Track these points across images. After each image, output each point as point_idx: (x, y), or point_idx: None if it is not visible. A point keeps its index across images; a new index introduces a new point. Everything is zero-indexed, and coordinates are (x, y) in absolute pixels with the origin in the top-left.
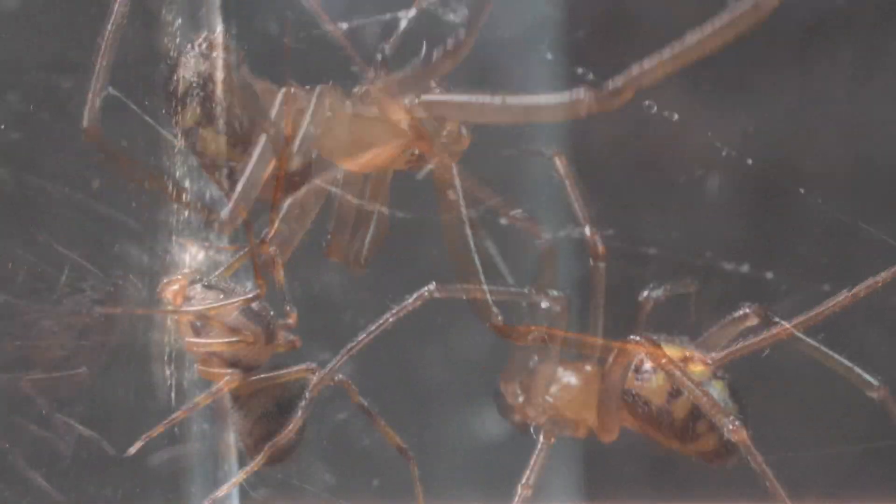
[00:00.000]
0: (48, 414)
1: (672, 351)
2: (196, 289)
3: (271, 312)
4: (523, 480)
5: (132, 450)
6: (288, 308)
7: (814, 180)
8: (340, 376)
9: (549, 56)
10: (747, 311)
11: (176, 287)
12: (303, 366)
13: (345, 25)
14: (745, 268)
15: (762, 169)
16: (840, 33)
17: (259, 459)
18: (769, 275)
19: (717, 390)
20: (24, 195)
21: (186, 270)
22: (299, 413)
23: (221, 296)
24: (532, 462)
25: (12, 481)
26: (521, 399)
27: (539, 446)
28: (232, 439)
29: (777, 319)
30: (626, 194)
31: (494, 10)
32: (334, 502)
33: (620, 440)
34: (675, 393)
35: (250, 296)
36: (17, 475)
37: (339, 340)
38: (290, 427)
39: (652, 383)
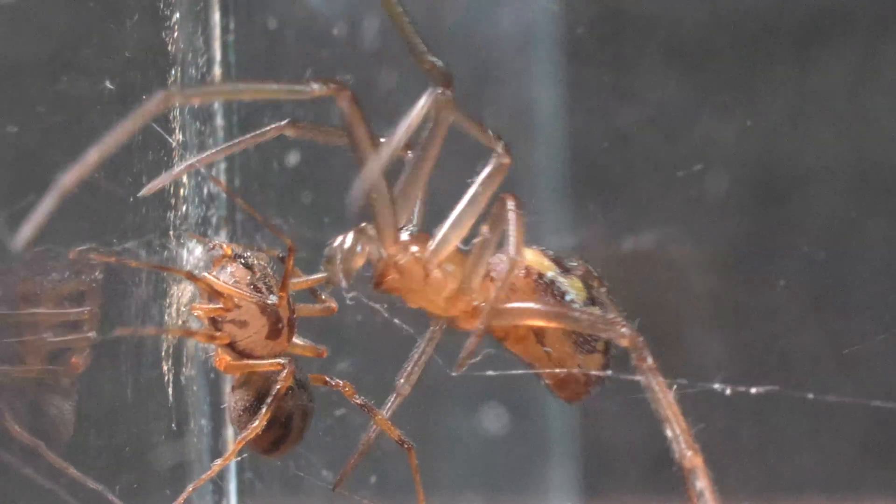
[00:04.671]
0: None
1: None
2: (232, 262)
3: (294, 315)
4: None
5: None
6: (324, 298)
7: (813, 179)
8: (337, 380)
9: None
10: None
11: (220, 253)
12: (277, 360)
13: None
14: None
15: (762, 168)
16: (840, 33)
17: (229, 455)
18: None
19: (574, 290)
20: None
21: (249, 252)
22: (264, 409)
23: (248, 277)
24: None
25: (12, 478)
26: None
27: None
28: (231, 434)
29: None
30: (626, 194)
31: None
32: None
33: (620, 440)
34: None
35: (268, 301)
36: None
37: (337, 339)
38: (257, 424)
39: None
